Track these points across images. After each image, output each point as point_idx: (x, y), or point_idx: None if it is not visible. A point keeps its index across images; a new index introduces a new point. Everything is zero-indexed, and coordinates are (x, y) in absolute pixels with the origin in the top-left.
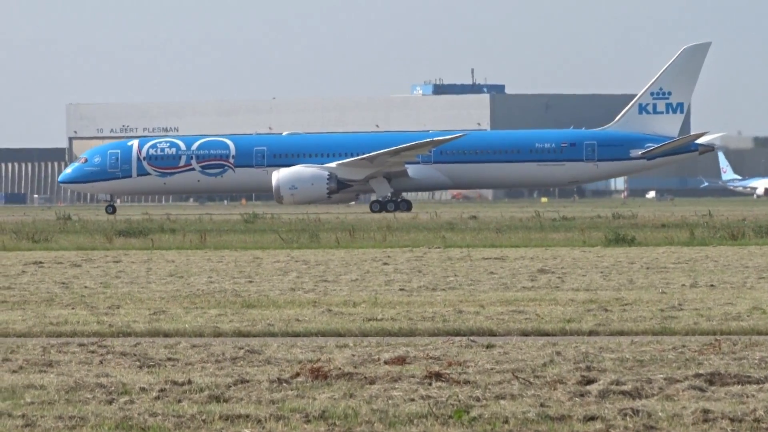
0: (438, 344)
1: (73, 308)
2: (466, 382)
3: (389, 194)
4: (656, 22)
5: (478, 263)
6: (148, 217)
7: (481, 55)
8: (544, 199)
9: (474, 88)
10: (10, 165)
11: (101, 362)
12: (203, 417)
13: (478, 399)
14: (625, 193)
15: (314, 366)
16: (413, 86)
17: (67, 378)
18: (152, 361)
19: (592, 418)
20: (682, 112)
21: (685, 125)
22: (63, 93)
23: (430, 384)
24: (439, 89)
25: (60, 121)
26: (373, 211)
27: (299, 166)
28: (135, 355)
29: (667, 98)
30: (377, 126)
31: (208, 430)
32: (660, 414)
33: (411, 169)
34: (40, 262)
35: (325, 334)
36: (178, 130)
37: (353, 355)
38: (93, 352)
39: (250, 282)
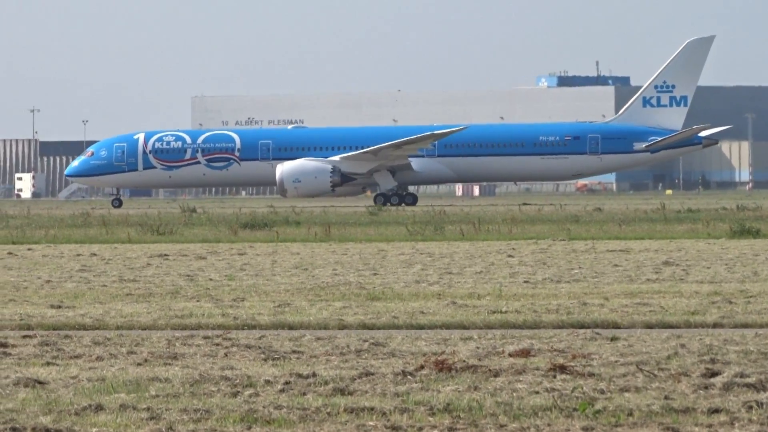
0: (562, 337)
1: (197, 301)
2: (591, 375)
3: (394, 187)
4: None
5: (603, 255)
6: (273, 209)
7: (606, 46)
8: (668, 191)
9: (599, 80)
10: None
11: (226, 355)
12: (328, 410)
13: (602, 392)
14: (750, 185)
15: (439, 358)
16: (538, 78)
17: (191, 371)
18: (277, 353)
19: (717, 411)
20: (686, 105)
21: None
22: (189, 85)
23: (555, 376)
24: (564, 81)
25: (185, 113)
26: (377, 204)
27: (303, 159)
28: (260, 347)
29: (671, 91)
30: (501, 118)
31: (332, 422)
32: None
33: (415, 163)
34: (165, 255)
35: (449, 326)
36: (303, 122)
37: (477, 348)
38: (218, 344)
39: (375, 274)
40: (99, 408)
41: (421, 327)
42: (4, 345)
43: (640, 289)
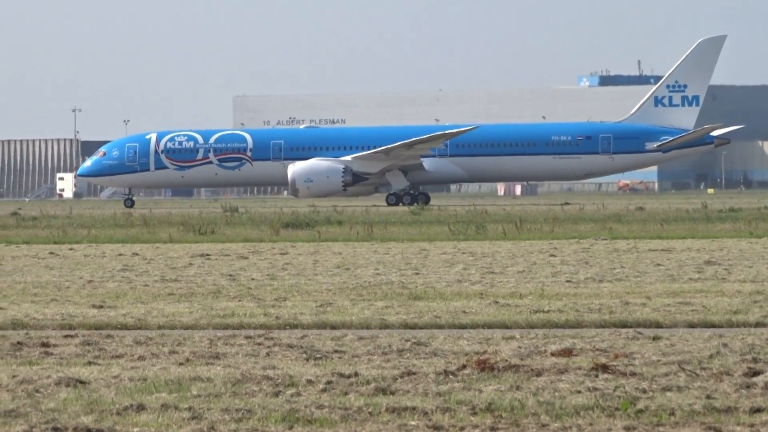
0: (604, 336)
1: (239, 300)
2: (633, 374)
3: (406, 187)
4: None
5: (645, 255)
6: (315, 209)
7: (647, 45)
8: (710, 190)
9: (641, 79)
10: None
11: (268, 354)
12: (370, 409)
13: (644, 391)
14: None
15: (481, 358)
16: (579, 77)
17: (233, 370)
18: (319, 353)
19: (759, 410)
20: (698, 104)
21: None
22: (231, 85)
23: (597, 376)
24: (606, 80)
25: (227, 112)
26: (389, 204)
27: (315, 159)
28: (302, 347)
29: (683, 91)
30: (543, 117)
31: (374, 422)
32: None
33: (427, 162)
34: (207, 255)
35: (491, 325)
36: (344, 122)
37: (520, 347)
38: (260, 344)
39: (417, 274)
40: (141, 408)
41: (463, 326)
42: (46, 345)
43: (682, 288)
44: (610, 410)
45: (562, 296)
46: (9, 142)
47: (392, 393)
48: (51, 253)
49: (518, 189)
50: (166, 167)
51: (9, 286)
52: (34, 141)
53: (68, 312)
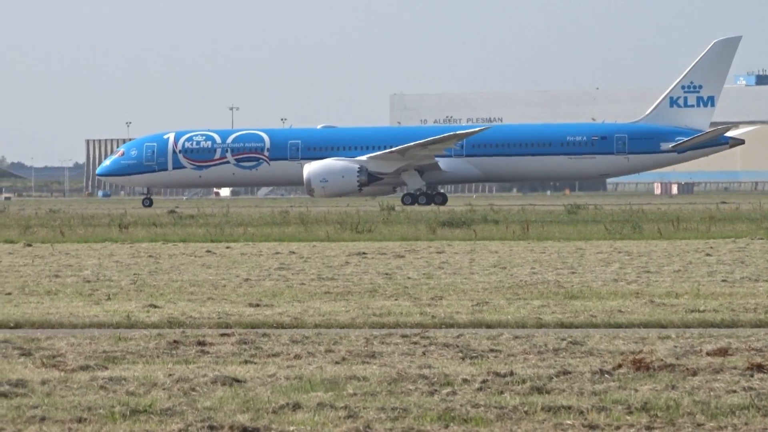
0: (760, 336)
1: (396, 299)
2: None
3: (422, 187)
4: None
5: None
6: (471, 207)
7: None
8: None
9: None
10: None
11: (424, 353)
12: (525, 408)
13: None
14: None
15: (636, 357)
16: (736, 77)
17: (389, 369)
18: (475, 352)
19: None
20: (712, 105)
21: None
22: (388, 83)
23: (752, 375)
24: (762, 79)
25: (384, 110)
26: (404, 203)
27: (330, 159)
28: (457, 346)
29: (698, 92)
30: None
31: (530, 421)
32: None
33: (443, 162)
34: (364, 253)
35: (647, 325)
36: (501, 120)
37: (675, 347)
38: (416, 343)
39: (573, 273)
40: (296, 406)
41: (618, 326)
42: (203, 343)
43: None
44: (765, 410)
45: (718, 296)
46: None
47: (548, 392)
48: (208, 251)
49: (674, 188)
50: (183, 167)
51: (166, 285)
52: None
53: (225, 310)
